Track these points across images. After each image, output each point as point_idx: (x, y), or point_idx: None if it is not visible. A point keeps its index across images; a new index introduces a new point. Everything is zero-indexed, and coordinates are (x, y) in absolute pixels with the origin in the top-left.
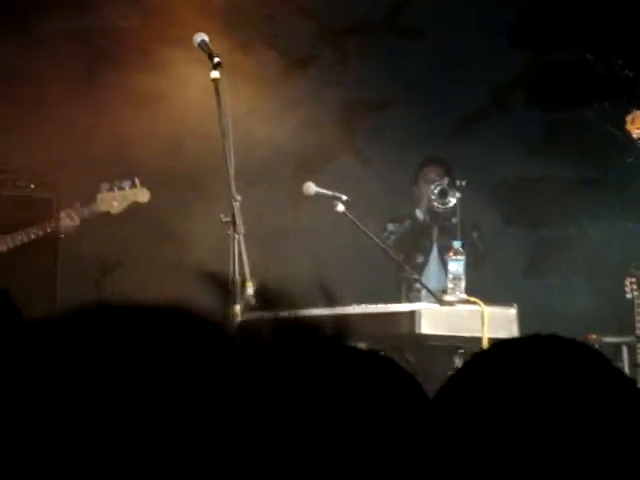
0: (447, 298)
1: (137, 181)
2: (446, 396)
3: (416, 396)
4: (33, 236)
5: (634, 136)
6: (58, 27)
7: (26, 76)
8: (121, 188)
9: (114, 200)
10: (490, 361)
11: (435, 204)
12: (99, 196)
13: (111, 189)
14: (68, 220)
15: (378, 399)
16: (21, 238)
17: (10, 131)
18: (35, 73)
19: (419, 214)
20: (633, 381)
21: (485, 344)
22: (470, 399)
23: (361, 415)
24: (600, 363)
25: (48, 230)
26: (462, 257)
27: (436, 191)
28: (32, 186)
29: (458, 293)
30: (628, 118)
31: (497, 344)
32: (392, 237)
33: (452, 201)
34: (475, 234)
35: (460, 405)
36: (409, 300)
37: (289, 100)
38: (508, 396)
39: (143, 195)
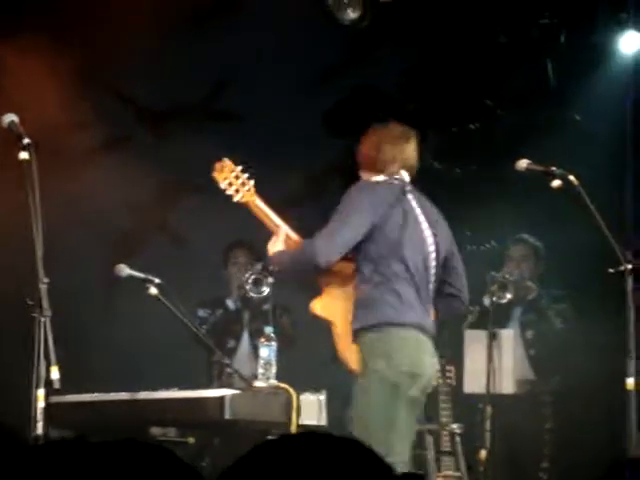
0: (257, 384)
1: None
2: None
3: None
4: None
5: (221, 186)
6: None
7: None
8: None
9: None
10: (262, 457)
11: (250, 293)
12: None
13: None
14: None
15: None
16: None
17: None
18: None
19: (230, 304)
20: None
21: (294, 430)
22: None
23: None
24: (369, 459)
25: None
26: (273, 343)
27: (250, 280)
28: None
29: (269, 379)
30: (217, 166)
31: (269, 441)
32: (204, 327)
33: (266, 290)
34: (285, 318)
35: None
36: (221, 385)
37: (104, 181)
38: None
39: None
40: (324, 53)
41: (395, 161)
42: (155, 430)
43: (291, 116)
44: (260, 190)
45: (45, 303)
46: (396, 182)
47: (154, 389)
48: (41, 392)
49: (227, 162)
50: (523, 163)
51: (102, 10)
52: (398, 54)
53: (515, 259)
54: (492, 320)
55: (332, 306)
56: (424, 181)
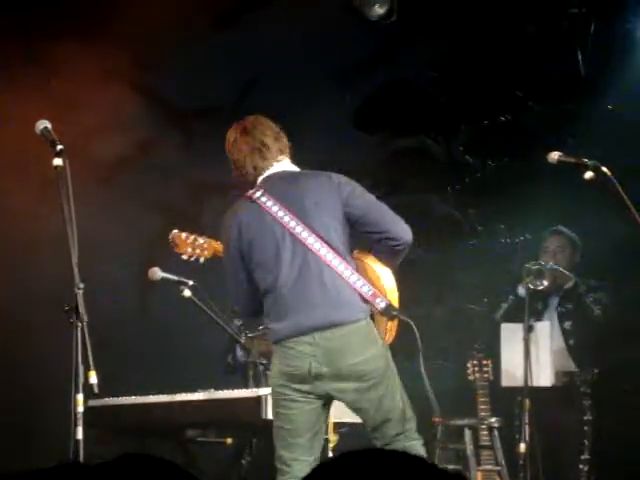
0: None
1: None
2: None
3: None
4: None
5: (184, 257)
6: None
7: None
8: None
9: None
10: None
11: None
12: None
13: None
14: None
15: None
16: None
17: None
18: None
19: None
20: None
21: (331, 429)
22: None
23: None
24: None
25: None
26: None
27: None
28: None
29: None
30: (172, 243)
31: (341, 455)
32: (246, 331)
33: None
34: None
35: None
36: (257, 385)
37: (136, 183)
38: None
39: None
40: (353, 49)
41: (246, 164)
42: (193, 431)
43: (320, 113)
44: None
45: (82, 308)
46: (247, 194)
47: (191, 391)
48: (80, 397)
49: (176, 233)
50: (555, 155)
51: (130, 12)
52: (427, 48)
53: (551, 251)
54: (528, 311)
55: None
56: (456, 174)
